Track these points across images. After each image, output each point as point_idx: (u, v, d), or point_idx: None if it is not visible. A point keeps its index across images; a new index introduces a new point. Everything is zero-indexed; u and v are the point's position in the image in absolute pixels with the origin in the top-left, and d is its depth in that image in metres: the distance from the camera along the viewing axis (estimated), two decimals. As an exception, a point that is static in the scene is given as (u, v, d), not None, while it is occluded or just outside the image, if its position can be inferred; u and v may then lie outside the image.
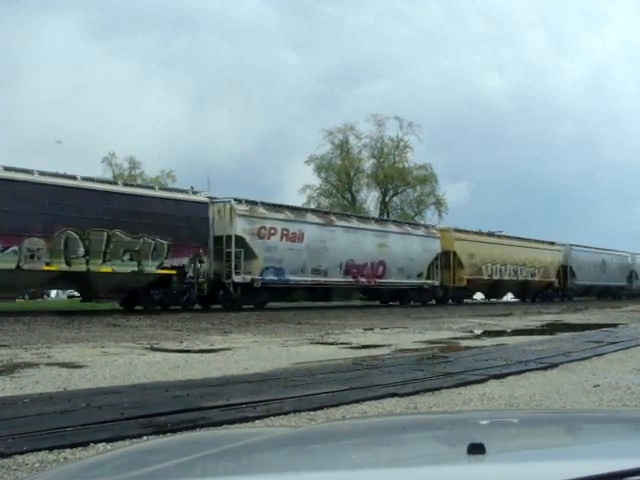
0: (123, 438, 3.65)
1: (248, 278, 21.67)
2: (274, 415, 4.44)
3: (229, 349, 9.25)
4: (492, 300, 37.37)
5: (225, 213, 21.66)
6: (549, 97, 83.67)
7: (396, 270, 27.95)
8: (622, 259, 47.10)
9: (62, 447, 3.52)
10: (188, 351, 8.97)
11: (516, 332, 13.38)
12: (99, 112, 63.93)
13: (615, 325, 15.32)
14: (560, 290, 39.78)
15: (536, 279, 37.64)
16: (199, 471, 1.25)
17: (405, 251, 28.33)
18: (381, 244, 27.41)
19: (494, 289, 35.64)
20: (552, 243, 40.22)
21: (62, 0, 76.00)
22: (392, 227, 29.37)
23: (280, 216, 23.29)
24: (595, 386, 5.85)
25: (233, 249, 21.32)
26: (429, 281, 29.90)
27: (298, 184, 48.60)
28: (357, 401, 5.00)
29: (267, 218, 22.65)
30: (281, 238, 22.99)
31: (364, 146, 47.37)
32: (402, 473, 1.18)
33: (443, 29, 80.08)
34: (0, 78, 68.45)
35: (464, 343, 10.76)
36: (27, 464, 3.26)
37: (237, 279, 21.36)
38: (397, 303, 29.00)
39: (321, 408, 4.72)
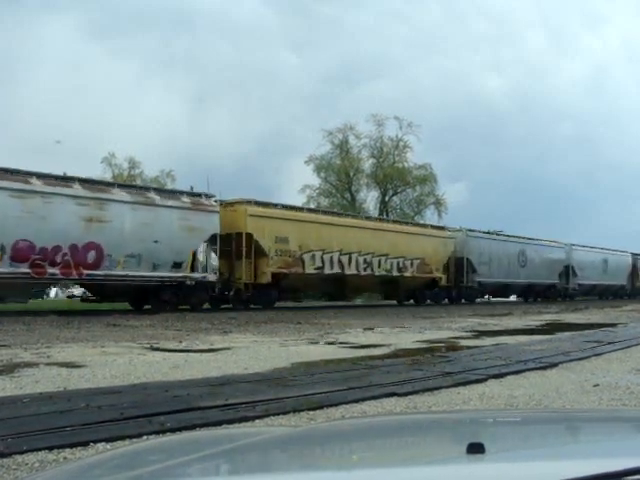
0: (123, 438, 3.65)
1: None
2: (274, 415, 4.44)
3: (229, 349, 9.25)
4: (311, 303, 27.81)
5: None
6: (549, 97, 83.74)
7: (125, 258, 18.91)
8: (553, 252, 37.99)
9: (62, 447, 3.53)
10: (188, 351, 8.97)
11: (516, 332, 13.38)
12: (99, 112, 64.00)
13: (614, 325, 15.34)
14: (453, 289, 30.89)
15: (407, 274, 28.11)
16: (199, 471, 1.25)
17: (144, 230, 19.02)
18: (92, 218, 18.16)
19: (335, 287, 26.54)
20: (441, 228, 32.47)
21: (62, 0, 76.03)
22: (118, 193, 19.22)
23: None
24: (594, 386, 5.86)
25: None
26: (196, 275, 20.76)
27: (298, 184, 48.69)
28: (356, 401, 5.00)
29: None
30: None
31: (364, 146, 47.42)
32: (402, 472, 1.18)
33: (443, 29, 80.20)
34: (0, 78, 68.42)
35: (464, 342, 10.76)
36: (27, 464, 3.26)
37: None
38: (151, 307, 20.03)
39: (321, 408, 4.72)
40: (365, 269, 26.14)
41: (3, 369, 6.79)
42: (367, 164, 47.83)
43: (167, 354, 8.49)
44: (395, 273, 27.56)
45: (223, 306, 21.93)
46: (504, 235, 35.09)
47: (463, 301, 30.98)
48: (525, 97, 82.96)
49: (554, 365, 7.23)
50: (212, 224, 20.91)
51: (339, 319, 17.36)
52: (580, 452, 1.32)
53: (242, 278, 21.69)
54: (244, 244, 21.53)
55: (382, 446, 1.49)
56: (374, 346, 10.02)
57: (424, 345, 10.27)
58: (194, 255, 20.82)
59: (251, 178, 60.80)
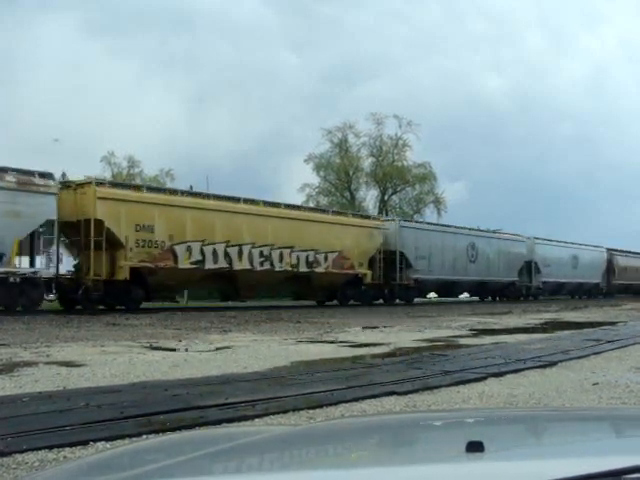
0: (122, 437, 3.66)
1: None
2: (273, 414, 4.45)
3: (228, 348, 9.25)
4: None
5: None
6: (549, 97, 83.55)
7: None
8: (511, 246, 33.74)
9: (61, 446, 3.53)
10: (187, 350, 8.96)
11: (515, 330, 13.40)
12: (99, 112, 63.85)
13: (614, 323, 15.36)
14: (384, 287, 26.50)
15: (320, 270, 23.76)
16: (198, 470, 1.25)
17: None
18: None
19: (223, 284, 22.24)
20: (365, 217, 28.92)
21: (62, 0, 75.98)
22: None
23: None
24: (594, 384, 5.86)
25: None
26: (22, 269, 17.27)
27: (297, 183, 48.58)
28: (356, 399, 5.01)
29: None
30: None
31: (363, 144, 47.38)
32: (401, 471, 1.19)
33: (443, 29, 80.00)
34: (0, 78, 68.45)
35: (463, 341, 10.77)
36: (27, 463, 3.26)
37: None
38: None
39: (320, 407, 4.73)
40: (262, 264, 21.93)
41: (2, 368, 6.79)
42: (366, 163, 47.83)
43: (167, 353, 8.49)
44: (304, 268, 23.21)
45: (77, 307, 18.17)
46: (448, 226, 31.14)
47: (398, 301, 26.91)
48: (525, 97, 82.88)
49: (553, 364, 7.24)
50: (46, 208, 16.88)
51: (339, 318, 17.36)
52: (579, 450, 1.32)
53: (92, 274, 18.02)
54: (92, 233, 17.88)
55: (381, 445, 1.49)
56: (374, 345, 10.03)
57: (423, 344, 10.28)
58: (21, 246, 17.27)
59: (251, 177, 60.65)
